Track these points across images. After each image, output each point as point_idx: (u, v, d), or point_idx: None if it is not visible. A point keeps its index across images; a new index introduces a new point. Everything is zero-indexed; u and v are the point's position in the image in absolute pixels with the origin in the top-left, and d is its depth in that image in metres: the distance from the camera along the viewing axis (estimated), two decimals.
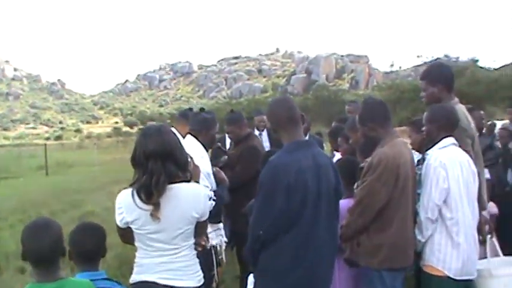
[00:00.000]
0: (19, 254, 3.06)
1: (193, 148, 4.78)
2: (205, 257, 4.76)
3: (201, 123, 5.10)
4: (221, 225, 5.27)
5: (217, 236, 5.13)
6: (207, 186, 4.69)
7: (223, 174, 5.15)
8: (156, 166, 3.26)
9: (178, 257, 3.39)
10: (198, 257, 3.61)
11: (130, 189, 3.32)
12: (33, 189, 20.71)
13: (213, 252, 4.93)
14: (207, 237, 4.60)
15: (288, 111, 3.70)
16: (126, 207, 3.35)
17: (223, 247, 5.27)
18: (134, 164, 3.37)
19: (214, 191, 4.81)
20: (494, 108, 28.25)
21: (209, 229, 4.93)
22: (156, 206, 3.24)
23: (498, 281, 4.41)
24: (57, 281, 2.99)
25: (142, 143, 3.35)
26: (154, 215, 3.25)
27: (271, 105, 3.92)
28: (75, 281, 3.08)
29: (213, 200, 4.70)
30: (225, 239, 5.30)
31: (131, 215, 3.34)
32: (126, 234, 3.48)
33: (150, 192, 3.23)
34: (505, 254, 4.95)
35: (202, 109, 5.37)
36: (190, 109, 5.90)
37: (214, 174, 5.00)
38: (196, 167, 3.80)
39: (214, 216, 4.72)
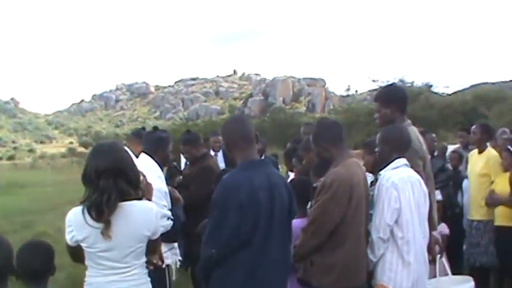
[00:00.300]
0: None
1: (149, 167, 4.75)
2: (159, 276, 4.74)
3: (156, 142, 5.06)
4: (176, 244, 5.24)
5: (172, 255, 5.10)
6: (165, 206, 4.68)
7: (177, 193, 5.14)
8: (107, 184, 3.23)
9: (129, 275, 3.36)
10: (150, 276, 3.58)
11: (80, 207, 3.29)
12: None
13: (167, 272, 4.89)
14: (161, 256, 4.60)
15: (243, 130, 3.73)
16: (76, 225, 3.31)
17: (177, 267, 5.25)
18: (85, 181, 3.34)
19: (170, 210, 4.78)
20: (447, 132, 28.75)
21: (164, 248, 4.91)
22: (107, 224, 3.21)
23: None
24: None
25: (94, 160, 3.32)
26: (105, 233, 3.22)
27: (226, 123, 3.95)
28: None
29: (171, 219, 4.70)
30: (179, 257, 5.28)
31: (81, 233, 3.30)
32: (76, 253, 3.43)
33: (101, 210, 3.19)
34: (453, 273, 5.06)
35: (156, 128, 5.37)
36: (143, 128, 5.90)
37: (169, 193, 4.98)
38: (148, 184, 3.78)
39: (171, 236, 4.73)
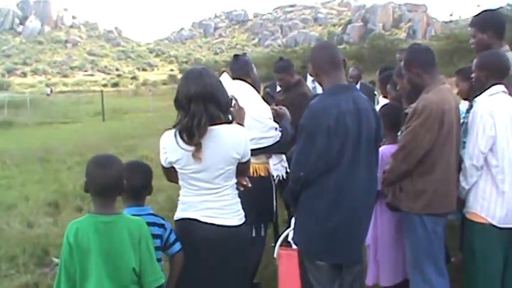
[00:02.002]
0: (77, 194, 3.19)
1: (246, 91, 4.92)
2: (268, 187, 5.07)
3: (244, 67, 5.24)
4: (284, 157, 5.39)
5: (281, 168, 5.32)
6: (270, 118, 5.01)
7: (284, 109, 5.33)
8: (197, 108, 3.31)
9: (219, 196, 3.46)
10: (258, 189, 3.76)
11: (173, 131, 3.40)
12: (90, 134, 21.25)
13: (273, 183, 5.16)
14: (268, 168, 4.90)
15: (329, 55, 3.71)
16: (170, 147, 3.44)
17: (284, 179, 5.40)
18: (177, 106, 3.43)
19: (278, 124, 5.05)
20: None
21: (275, 160, 5.19)
22: (198, 146, 3.30)
23: None
24: (113, 215, 3.11)
25: (185, 86, 3.40)
26: (196, 156, 3.32)
27: (313, 49, 3.95)
28: (129, 218, 3.18)
29: (279, 131, 4.97)
30: (287, 170, 5.42)
31: (174, 155, 3.42)
32: (171, 174, 3.57)
33: (192, 133, 3.29)
34: None
35: (237, 55, 5.50)
36: (244, 54, 5.95)
37: (275, 111, 5.22)
38: (240, 109, 3.85)
39: (281, 147, 5.04)
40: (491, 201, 4.10)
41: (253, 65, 5.38)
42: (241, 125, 3.76)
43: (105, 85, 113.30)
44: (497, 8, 37.69)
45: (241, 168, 3.58)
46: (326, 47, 3.90)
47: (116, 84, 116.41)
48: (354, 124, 3.53)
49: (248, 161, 3.59)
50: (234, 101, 3.80)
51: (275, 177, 5.22)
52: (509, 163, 4.08)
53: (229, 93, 3.70)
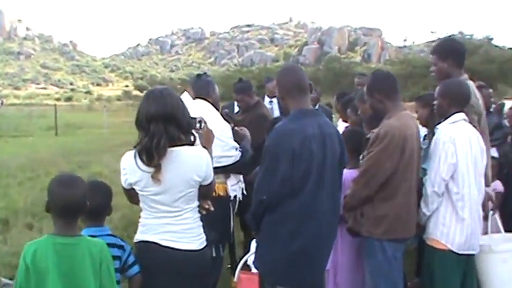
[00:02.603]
0: (27, 211, 3.11)
1: (207, 111, 4.90)
2: (224, 208, 4.96)
3: (207, 86, 5.29)
4: (242, 178, 5.38)
5: (239, 189, 5.32)
6: (231, 137, 5.05)
7: (245, 130, 5.38)
8: (157, 128, 3.27)
9: (180, 219, 3.41)
10: (215, 209, 3.66)
11: (133, 151, 3.35)
12: (43, 148, 20.84)
13: (231, 204, 5.16)
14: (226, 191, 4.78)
15: (296, 79, 3.71)
16: (129, 168, 3.38)
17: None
18: (137, 126, 3.38)
19: (239, 144, 5.07)
20: (506, 87, 28.07)
21: (233, 181, 5.18)
22: (157, 168, 3.26)
23: (497, 256, 4.45)
24: (74, 237, 3.04)
25: (145, 106, 3.36)
26: (155, 177, 3.27)
27: (280, 72, 3.93)
28: (90, 240, 3.11)
29: (240, 151, 4.99)
30: (244, 192, 5.40)
31: (134, 176, 3.37)
32: (131, 195, 3.51)
33: (151, 154, 3.24)
34: (506, 231, 5.00)
35: (200, 75, 5.57)
36: (205, 73, 5.94)
37: (235, 132, 5.24)
38: (209, 131, 3.83)
39: (240, 167, 5.07)
40: (451, 228, 4.16)
41: (215, 85, 5.41)
42: (208, 147, 3.73)
43: (58, 99, 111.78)
44: (450, 35, 38.78)
45: (204, 191, 3.53)
46: (293, 71, 3.89)
47: (69, 99, 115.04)
48: (319, 149, 3.53)
49: (211, 184, 3.53)
50: (203, 124, 3.78)
51: (232, 197, 5.19)
52: (469, 190, 4.16)
53: (198, 115, 3.66)
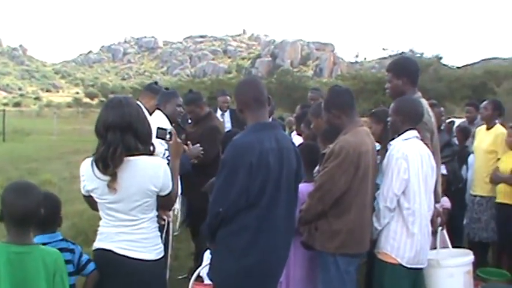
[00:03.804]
0: None
1: (159, 121, 4.89)
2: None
3: (161, 98, 5.44)
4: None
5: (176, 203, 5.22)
6: (167, 149, 4.80)
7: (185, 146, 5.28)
8: (114, 137, 3.29)
9: (136, 228, 3.41)
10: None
11: (91, 159, 3.37)
12: None
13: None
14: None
15: (256, 92, 3.72)
16: (87, 175, 3.40)
17: (179, 219, 5.36)
18: (96, 134, 3.40)
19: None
20: (453, 106, 28.65)
21: None
22: (113, 177, 3.27)
23: (445, 271, 4.55)
24: (28, 245, 3.02)
25: (103, 114, 3.39)
26: (111, 186, 3.29)
27: (240, 84, 3.94)
28: (44, 249, 3.08)
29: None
30: (178, 206, 5.39)
31: (91, 184, 3.39)
32: (90, 202, 3.53)
33: (106, 163, 3.26)
34: (453, 247, 5.12)
35: (152, 83, 5.73)
36: (156, 83, 5.95)
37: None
38: (177, 143, 3.85)
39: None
40: (401, 242, 4.24)
41: (171, 98, 5.49)
42: (176, 159, 3.80)
43: (6, 104, 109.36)
44: (401, 53, 39.41)
45: (162, 202, 3.55)
46: (252, 84, 3.89)
47: (18, 104, 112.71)
48: (276, 163, 3.55)
49: (169, 195, 3.54)
50: (170, 135, 3.81)
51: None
52: (420, 206, 4.25)
53: (168, 127, 3.68)
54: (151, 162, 3.41)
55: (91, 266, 3.49)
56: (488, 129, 7.08)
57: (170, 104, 5.38)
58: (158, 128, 4.00)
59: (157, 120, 4.92)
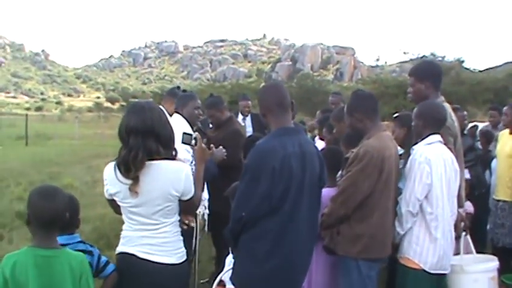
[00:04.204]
0: None
1: (178, 125, 4.91)
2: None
3: (178, 101, 5.45)
4: (206, 196, 5.37)
5: (202, 206, 5.27)
6: (187, 159, 4.83)
7: (217, 151, 5.30)
8: (135, 141, 3.33)
9: (159, 232, 3.44)
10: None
11: (114, 162, 3.41)
12: (12, 158, 20.61)
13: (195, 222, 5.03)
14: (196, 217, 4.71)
15: (279, 97, 3.72)
16: (110, 179, 3.45)
17: (204, 219, 5.36)
18: (119, 138, 3.44)
19: None
20: (476, 110, 28.43)
21: None
22: (135, 180, 3.31)
23: (469, 277, 4.52)
24: (54, 249, 3.05)
25: (125, 119, 3.43)
26: (133, 190, 3.33)
27: (263, 89, 3.96)
28: (70, 253, 3.12)
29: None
30: (207, 211, 5.39)
31: (114, 187, 3.43)
32: (114, 206, 3.57)
33: (128, 166, 3.30)
34: (477, 252, 5.07)
35: (174, 88, 5.74)
36: (178, 87, 5.97)
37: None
38: (201, 149, 3.88)
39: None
40: (424, 247, 4.22)
41: (189, 100, 5.48)
42: (200, 164, 3.84)
43: (28, 108, 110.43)
44: (422, 57, 39.20)
45: (184, 207, 3.58)
46: (276, 88, 3.89)
47: (39, 108, 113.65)
48: (299, 167, 3.54)
49: (191, 199, 3.56)
50: (198, 141, 3.84)
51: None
52: (443, 211, 4.23)
53: (193, 133, 3.70)
54: (172, 167, 3.43)
55: (110, 267, 3.52)
56: (511, 133, 7.01)
57: (188, 107, 5.38)
58: (184, 133, 4.03)
59: (177, 124, 4.93)
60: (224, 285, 4.47)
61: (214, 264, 6.91)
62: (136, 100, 4.08)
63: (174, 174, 3.42)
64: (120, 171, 3.33)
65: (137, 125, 3.36)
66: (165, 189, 3.38)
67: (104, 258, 3.54)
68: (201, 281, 6.33)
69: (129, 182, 3.32)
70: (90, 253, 3.48)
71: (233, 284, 3.82)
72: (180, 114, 5.31)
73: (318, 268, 4.57)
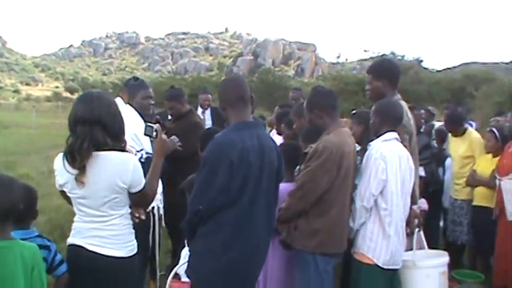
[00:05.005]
0: None
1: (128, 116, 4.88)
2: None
3: (127, 91, 5.34)
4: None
5: (158, 200, 5.18)
6: (133, 147, 4.78)
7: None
8: (82, 131, 3.30)
9: (107, 225, 3.42)
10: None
11: (62, 153, 3.37)
12: None
13: (150, 216, 5.01)
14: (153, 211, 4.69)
15: (239, 90, 3.73)
16: (59, 169, 3.41)
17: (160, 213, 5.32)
18: (69, 128, 3.41)
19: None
20: (434, 109, 28.84)
21: None
22: (81, 170, 3.28)
23: (421, 272, 4.61)
24: (6, 240, 2.99)
25: (74, 108, 3.40)
26: (79, 180, 3.30)
27: (224, 83, 3.96)
28: (23, 244, 3.05)
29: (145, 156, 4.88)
30: (162, 205, 5.35)
31: (62, 178, 3.40)
32: (66, 196, 3.53)
33: (74, 156, 3.26)
34: (430, 248, 5.18)
35: (130, 78, 5.65)
36: (136, 78, 5.90)
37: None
38: (162, 140, 3.85)
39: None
40: (377, 243, 4.29)
41: (139, 90, 5.35)
42: (159, 157, 3.81)
43: None
44: (382, 55, 39.57)
45: (134, 199, 3.54)
46: (236, 82, 3.91)
47: None
48: (257, 161, 3.56)
49: (141, 192, 3.51)
50: (157, 132, 3.83)
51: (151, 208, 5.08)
52: (397, 208, 4.30)
53: (155, 124, 3.69)
54: (120, 158, 3.40)
55: (63, 268, 3.48)
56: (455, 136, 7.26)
57: (137, 97, 5.26)
58: (146, 125, 4.00)
59: (126, 115, 4.89)
60: (179, 279, 4.48)
61: (171, 257, 6.89)
62: (88, 90, 4.02)
63: (122, 166, 3.38)
64: (67, 161, 3.30)
65: (84, 114, 3.33)
66: (111, 180, 3.34)
67: (59, 256, 3.50)
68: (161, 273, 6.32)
69: (76, 172, 3.29)
70: (47, 248, 3.44)
71: (188, 277, 3.82)
72: (131, 105, 5.21)
73: (274, 262, 4.59)
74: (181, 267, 4.41)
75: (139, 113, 5.17)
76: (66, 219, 7.87)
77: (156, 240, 5.20)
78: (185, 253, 4.50)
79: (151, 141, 4.76)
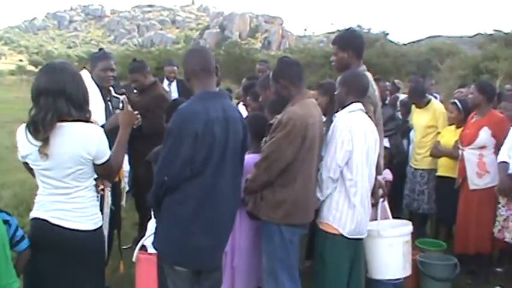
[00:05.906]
0: None
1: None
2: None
3: (91, 62, 5.27)
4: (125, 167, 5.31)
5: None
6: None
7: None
8: (45, 102, 3.24)
9: (71, 197, 3.38)
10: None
11: (25, 124, 3.31)
12: None
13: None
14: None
15: (204, 61, 3.71)
16: (21, 141, 3.34)
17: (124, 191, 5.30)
18: (32, 100, 3.35)
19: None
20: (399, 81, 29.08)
21: None
22: (45, 142, 3.22)
23: (385, 241, 4.69)
24: None
25: (37, 79, 3.34)
26: (42, 152, 3.23)
27: (188, 53, 3.93)
28: None
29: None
30: (127, 185, 5.33)
31: (25, 149, 3.34)
32: (29, 169, 3.47)
33: (37, 128, 3.21)
34: (394, 217, 5.26)
35: (101, 49, 5.57)
36: (101, 49, 5.82)
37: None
38: (128, 112, 3.82)
39: None
40: (343, 213, 4.33)
41: (99, 61, 5.25)
42: (126, 128, 3.80)
43: None
44: (348, 29, 39.75)
45: (100, 171, 3.51)
46: (200, 52, 3.89)
47: None
48: (222, 132, 3.56)
49: (106, 164, 3.48)
50: (124, 104, 3.78)
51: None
52: (362, 178, 4.35)
53: (121, 96, 3.65)
54: (84, 129, 3.35)
55: (24, 244, 3.41)
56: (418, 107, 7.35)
57: (96, 68, 5.17)
58: (113, 97, 3.97)
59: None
60: (146, 250, 4.49)
61: (138, 229, 6.89)
62: (51, 61, 3.95)
63: (86, 137, 3.34)
64: (30, 133, 3.24)
65: (47, 85, 3.27)
66: (76, 151, 3.30)
67: (20, 232, 3.42)
68: (124, 247, 6.30)
69: (39, 143, 3.23)
70: (6, 222, 3.35)
71: (155, 249, 3.83)
72: (92, 77, 5.10)
73: (241, 233, 4.63)
74: (148, 239, 4.41)
75: (97, 85, 5.06)
76: (31, 194, 7.74)
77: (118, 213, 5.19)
78: (152, 225, 4.50)
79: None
